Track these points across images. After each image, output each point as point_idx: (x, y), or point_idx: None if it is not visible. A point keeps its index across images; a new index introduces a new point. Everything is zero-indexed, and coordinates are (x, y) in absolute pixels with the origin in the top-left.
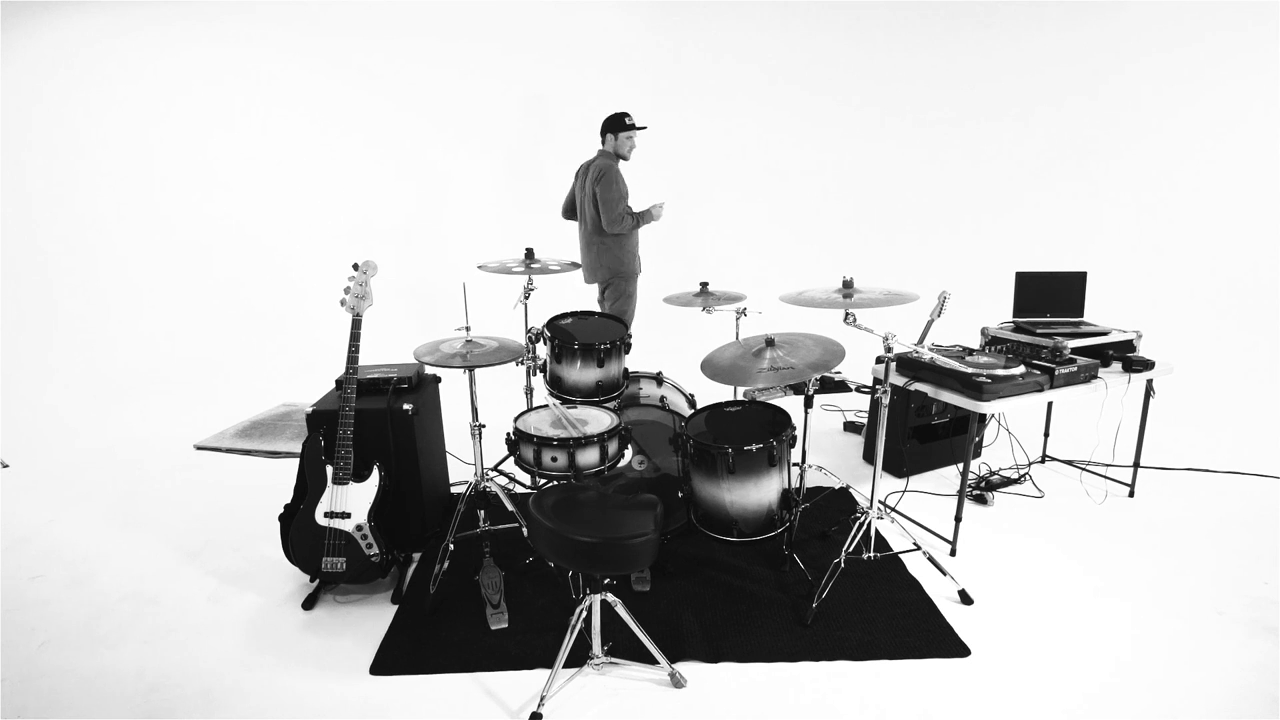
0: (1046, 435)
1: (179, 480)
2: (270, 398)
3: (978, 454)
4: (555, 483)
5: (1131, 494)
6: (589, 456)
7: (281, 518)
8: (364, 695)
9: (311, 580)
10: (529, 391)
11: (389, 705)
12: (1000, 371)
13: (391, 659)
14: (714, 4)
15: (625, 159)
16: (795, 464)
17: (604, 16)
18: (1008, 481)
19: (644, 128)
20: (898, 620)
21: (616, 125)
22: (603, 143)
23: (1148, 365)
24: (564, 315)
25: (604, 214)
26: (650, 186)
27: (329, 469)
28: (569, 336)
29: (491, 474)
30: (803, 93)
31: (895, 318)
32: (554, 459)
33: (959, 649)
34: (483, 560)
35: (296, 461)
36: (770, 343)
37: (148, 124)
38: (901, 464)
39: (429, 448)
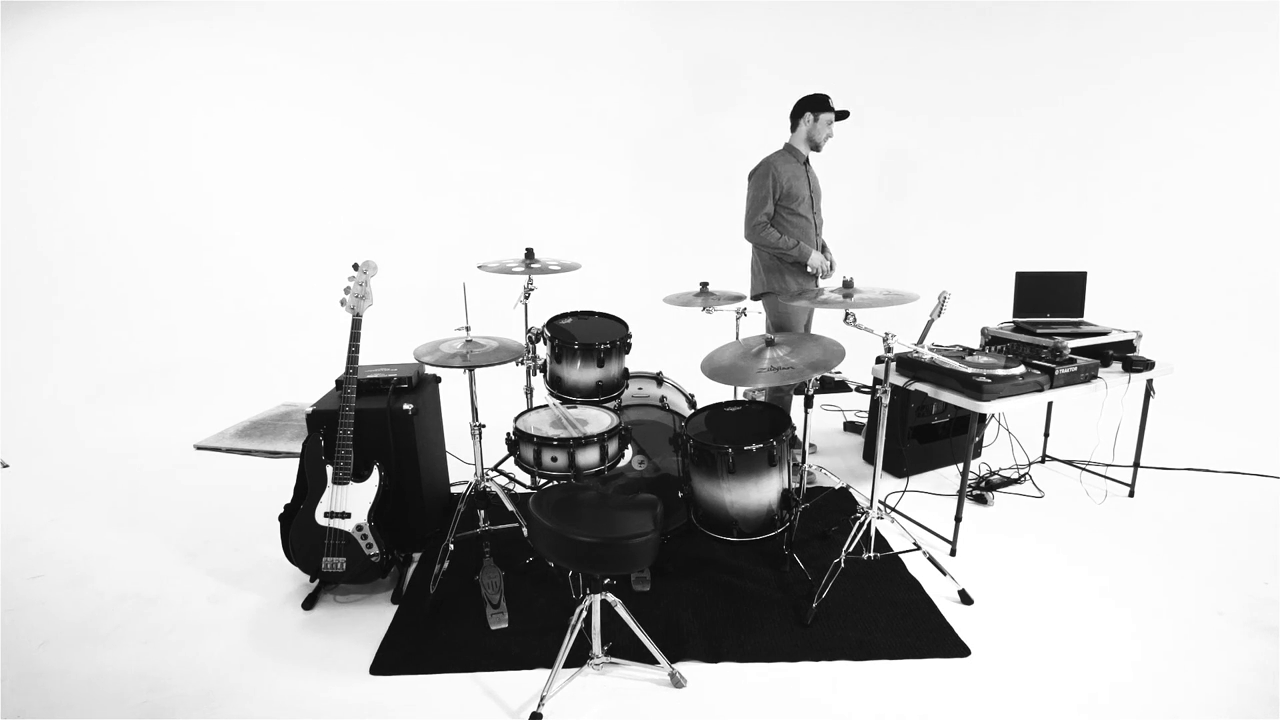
0: (1046, 435)
1: (179, 480)
2: (270, 398)
3: (978, 454)
4: (555, 483)
5: (1131, 494)
6: (589, 456)
7: (281, 518)
8: (364, 695)
9: (311, 580)
10: (529, 391)
11: (389, 705)
12: (1000, 371)
13: (391, 659)
14: (714, 3)
15: (818, 149)
16: (795, 464)
17: (605, 14)
18: (1008, 481)
19: (845, 114)
20: (898, 620)
21: (817, 104)
22: (791, 129)
23: (1148, 365)
24: (564, 315)
25: (745, 216)
26: (649, 185)
27: (329, 469)
28: (569, 336)
29: (491, 474)
30: (801, 90)
31: (895, 318)
32: (554, 459)
33: (959, 649)
34: (483, 560)
35: (296, 461)
36: (770, 342)
37: (147, 123)
38: (901, 464)
39: (429, 448)
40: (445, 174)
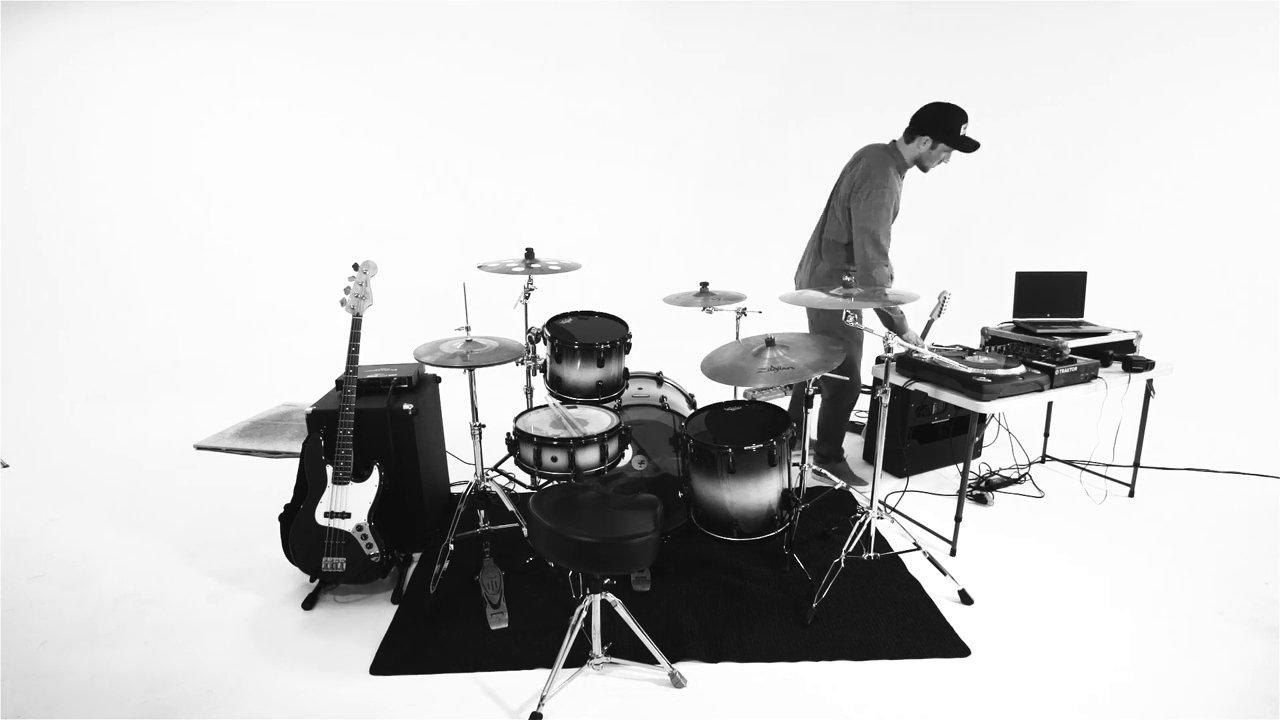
0: (1046, 435)
1: (179, 480)
2: (270, 398)
3: (978, 454)
4: (555, 483)
5: (1131, 494)
6: (589, 456)
7: (281, 518)
8: (364, 695)
9: (311, 580)
10: (529, 391)
11: (389, 705)
12: (1000, 371)
13: (391, 659)
14: (713, 3)
15: (924, 171)
16: (795, 464)
17: (604, 15)
18: (1008, 481)
19: (976, 145)
20: (898, 620)
21: (947, 133)
22: (906, 140)
23: (1148, 365)
24: (564, 315)
25: (855, 241)
26: (649, 185)
27: (329, 469)
28: (569, 336)
29: (491, 474)
30: (801, 91)
31: None
32: (554, 459)
33: (959, 649)
34: (483, 560)
35: (296, 461)
36: (770, 343)
37: (147, 123)
38: (901, 464)
39: (429, 448)
40: (445, 174)
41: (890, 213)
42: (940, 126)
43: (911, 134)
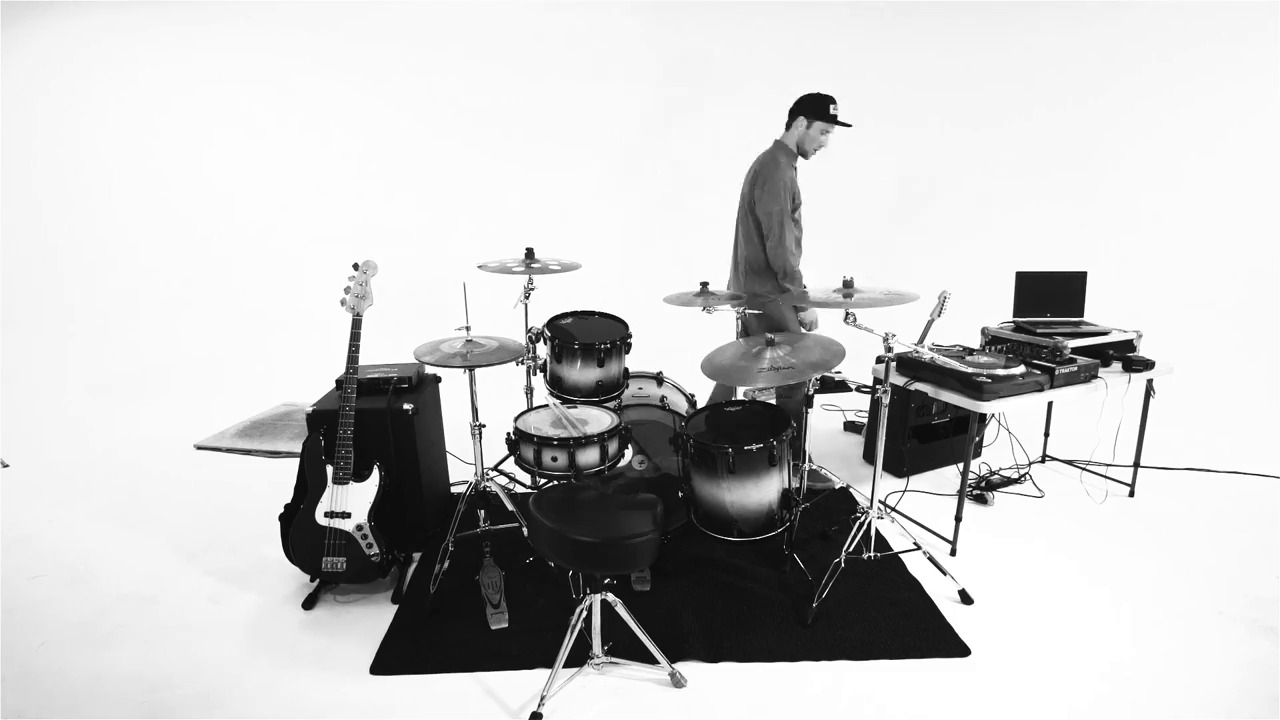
0: (1046, 435)
1: (179, 480)
2: (270, 398)
3: (978, 454)
4: (555, 482)
5: (1132, 494)
6: (589, 456)
7: (281, 518)
8: (364, 695)
9: (311, 580)
10: (529, 391)
11: (389, 705)
12: (1000, 371)
13: (391, 659)
14: (714, 6)
15: (805, 157)
16: (795, 463)
17: (604, 18)
18: (1008, 481)
19: (848, 125)
20: (898, 620)
21: (817, 109)
22: (785, 128)
23: (1148, 365)
24: (564, 315)
25: (764, 224)
26: (649, 185)
27: (329, 469)
28: (569, 336)
29: (491, 474)
30: (803, 93)
31: (895, 318)
32: (554, 459)
33: (959, 649)
34: (483, 560)
35: (296, 461)
36: (770, 342)
37: (148, 124)
38: (902, 464)
39: (429, 448)
40: (446, 174)
41: (787, 194)
42: (810, 107)
43: (789, 122)
